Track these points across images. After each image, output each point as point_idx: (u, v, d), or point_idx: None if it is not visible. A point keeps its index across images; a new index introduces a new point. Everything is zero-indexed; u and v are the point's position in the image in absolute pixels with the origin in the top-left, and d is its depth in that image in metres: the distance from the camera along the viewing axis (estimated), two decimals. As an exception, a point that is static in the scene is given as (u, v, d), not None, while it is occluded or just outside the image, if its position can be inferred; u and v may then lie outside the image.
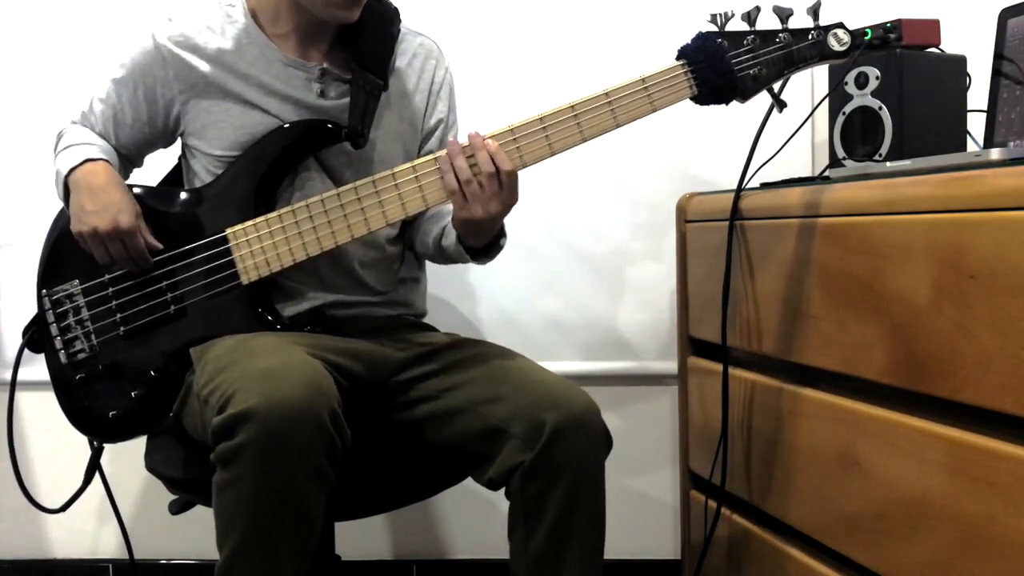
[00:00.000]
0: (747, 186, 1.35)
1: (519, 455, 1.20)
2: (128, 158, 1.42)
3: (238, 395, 1.07)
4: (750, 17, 1.18)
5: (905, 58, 1.29)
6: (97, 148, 1.35)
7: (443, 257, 1.42)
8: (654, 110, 1.21)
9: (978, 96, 1.34)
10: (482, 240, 1.29)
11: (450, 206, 1.32)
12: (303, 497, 1.08)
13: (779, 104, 1.22)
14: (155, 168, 1.47)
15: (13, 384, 1.43)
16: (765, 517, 1.38)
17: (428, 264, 1.54)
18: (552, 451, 1.18)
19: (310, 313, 1.34)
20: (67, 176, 1.31)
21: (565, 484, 1.19)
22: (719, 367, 1.40)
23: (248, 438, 1.04)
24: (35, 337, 1.39)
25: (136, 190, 1.35)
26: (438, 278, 1.64)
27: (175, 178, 1.45)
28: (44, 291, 1.37)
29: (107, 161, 1.33)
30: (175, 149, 1.43)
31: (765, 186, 1.44)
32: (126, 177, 1.41)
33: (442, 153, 1.22)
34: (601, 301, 1.85)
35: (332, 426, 1.09)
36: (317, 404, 1.08)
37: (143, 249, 1.30)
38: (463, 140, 1.22)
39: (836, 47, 1.18)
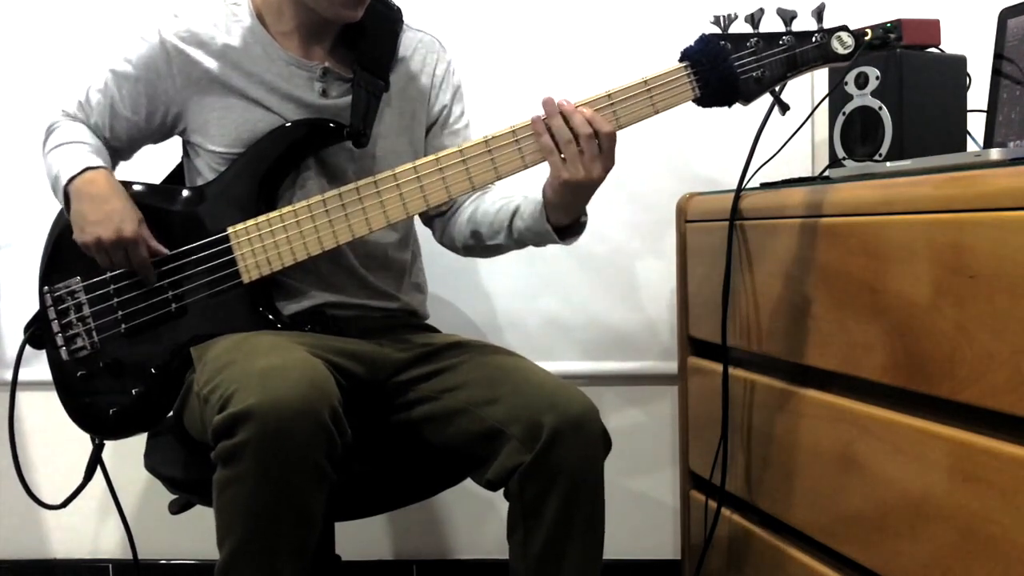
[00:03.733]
0: (747, 186, 1.35)
1: (517, 457, 1.20)
2: (118, 151, 1.42)
3: (238, 394, 1.07)
4: (753, 19, 1.18)
5: (905, 58, 1.30)
6: (90, 149, 1.35)
7: (510, 241, 1.35)
8: (656, 112, 1.20)
9: (978, 96, 1.34)
10: (570, 214, 1.26)
11: (493, 199, 1.32)
12: (303, 496, 1.08)
13: (782, 107, 1.22)
14: (158, 167, 1.47)
15: (14, 383, 1.43)
16: (765, 517, 1.38)
17: (428, 264, 1.54)
18: (550, 453, 1.18)
19: (311, 312, 1.34)
20: (67, 185, 1.31)
21: (563, 486, 1.19)
22: (719, 367, 1.40)
23: (248, 437, 1.04)
24: (37, 334, 1.39)
25: (138, 187, 1.35)
26: (439, 278, 1.64)
27: (177, 176, 1.46)
28: (46, 288, 1.37)
29: (106, 168, 1.33)
30: (178, 148, 1.44)
31: (765, 186, 1.44)
32: (113, 169, 1.41)
33: (535, 117, 1.19)
34: (601, 301, 1.85)
35: (332, 425, 1.09)
36: (317, 403, 1.08)
37: (146, 258, 1.30)
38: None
39: (840, 50, 1.17)
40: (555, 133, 1.17)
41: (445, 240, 1.48)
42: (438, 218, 1.48)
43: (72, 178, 1.30)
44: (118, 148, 1.41)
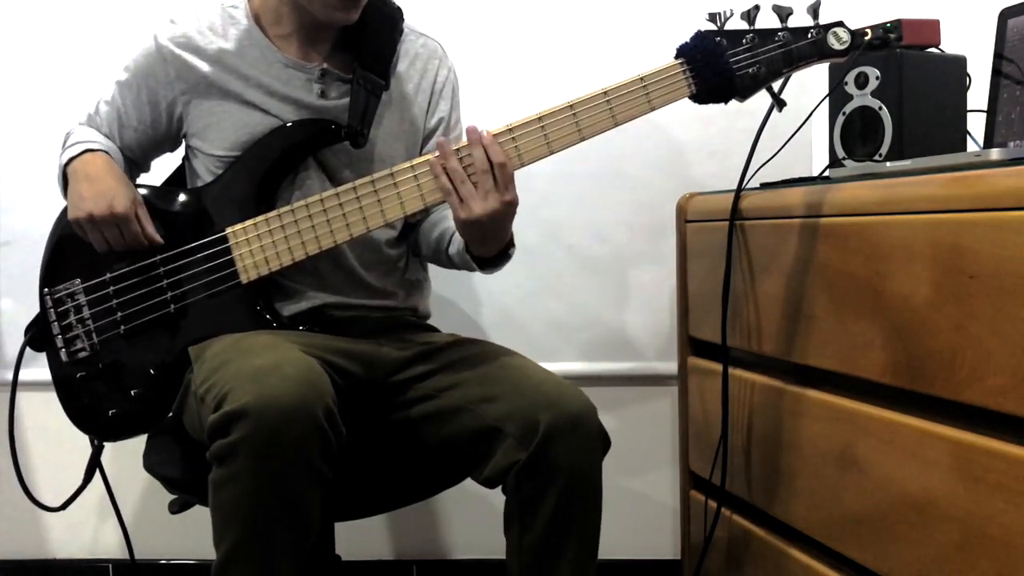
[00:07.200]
0: (747, 186, 1.35)
1: (514, 454, 1.20)
2: (134, 161, 1.43)
3: (233, 393, 1.07)
4: (749, 16, 1.18)
5: (905, 58, 1.29)
6: (100, 144, 1.36)
7: (450, 264, 1.41)
8: (652, 109, 1.20)
9: (978, 96, 1.34)
10: (490, 248, 1.27)
11: (439, 215, 1.32)
12: (299, 494, 1.08)
13: (778, 103, 1.22)
14: (159, 169, 1.48)
15: (14, 384, 1.43)
16: (765, 517, 1.38)
17: (431, 265, 1.54)
18: (546, 451, 1.18)
19: (310, 313, 1.34)
20: (65, 166, 1.32)
21: (560, 484, 1.19)
22: (719, 367, 1.40)
23: (243, 435, 1.05)
24: (37, 336, 1.39)
25: (141, 191, 1.35)
26: (441, 278, 1.64)
27: (178, 179, 1.46)
28: (46, 290, 1.37)
29: (106, 152, 1.34)
30: (178, 150, 1.44)
31: (765, 186, 1.44)
32: (132, 181, 1.41)
33: (432, 155, 1.21)
34: (601, 302, 1.85)
35: (327, 423, 1.09)
36: (311, 401, 1.08)
37: (139, 234, 1.30)
38: (465, 139, 1.22)
39: (836, 46, 1.17)
40: (450, 174, 1.19)
41: (423, 254, 1.48)
42: (410, 231, 1.47)
43: (71, 159, 1.31)
44: (133, 159, 1.42)
